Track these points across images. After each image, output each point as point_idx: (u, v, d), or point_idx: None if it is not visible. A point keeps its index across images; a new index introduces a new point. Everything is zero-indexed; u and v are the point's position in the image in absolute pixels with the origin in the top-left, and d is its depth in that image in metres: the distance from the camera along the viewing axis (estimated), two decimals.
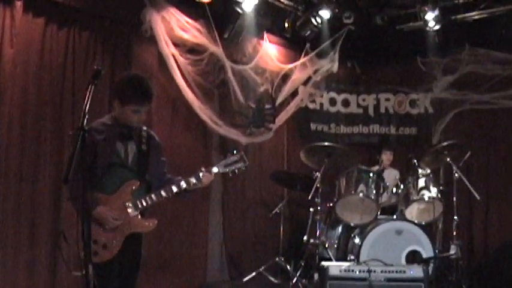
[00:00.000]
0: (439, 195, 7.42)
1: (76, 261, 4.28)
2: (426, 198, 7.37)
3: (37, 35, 6.67)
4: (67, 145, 6.56)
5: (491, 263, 8.24)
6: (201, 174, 4.75)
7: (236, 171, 4.90)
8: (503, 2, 8.40)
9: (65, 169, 4.32)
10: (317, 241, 7.40)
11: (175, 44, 7.48)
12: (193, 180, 4.73)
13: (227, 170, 4.87)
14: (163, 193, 4.65)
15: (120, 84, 4.69)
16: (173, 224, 7.54)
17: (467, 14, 8.71)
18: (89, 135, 3.77)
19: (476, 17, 8.72)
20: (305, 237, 7.63)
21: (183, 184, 4.71)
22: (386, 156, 8.71)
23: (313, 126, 9.67)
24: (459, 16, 8.73)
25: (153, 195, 4.63)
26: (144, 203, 4.60)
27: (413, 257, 7.13)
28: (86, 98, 3.67)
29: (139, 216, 4.60)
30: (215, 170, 4.83)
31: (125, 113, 4.57)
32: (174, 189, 4.68)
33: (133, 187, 4.58)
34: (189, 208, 7.73)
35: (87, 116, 3.63)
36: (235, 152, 4.93)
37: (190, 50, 7.66)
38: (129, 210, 4.55)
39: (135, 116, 4.58)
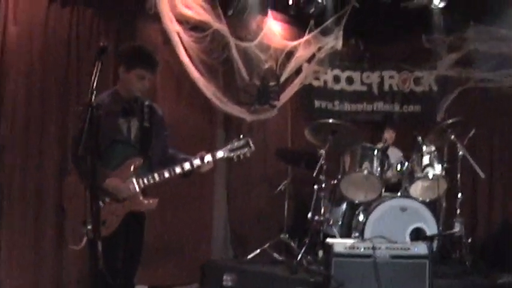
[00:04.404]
0: (443, 173, 7.43)
1: (74, 235, 4.33)
2: (430, 176, 7.37)
3: (41, 13, 6.67)
4: (72, 121, 6.59)
5: (495, 241, 8.27)
6: (205, 158, 4.76)
7: (241, 156, 4.91)
8: None
9: (73, 145, 4.35)
10: (321, 218, 7.41)
11: (179, 21, 7.42)
12: (197, 162, 4.74)
13: (232, 154, 4.88)
14: (166, 174, 4.66)
15: (126, 50, 4.77)
16: (177, 203, 7.54)
17: None
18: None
19: None
20: (309, 215, 7.62)
21: (187, 166, 4.72)
22: (389, 135, 8.67)
23: (317, 103, 9.64)
24: None
25: (155, 175, 4.63)
26: (146, 182, 4.61)
27: (417, 234, 7.15)
28: (93, 75, 3.68)
29: (140, 195, 4.61)
30: (220, 154, 4.85)
31: (129, 80, 4.61)
32: (178, 170, 4.70)
33: (137, 164, 4.59)
34: (193, 186, 7.71)
35: (94, 93, 3.64)
36: (241, 136, 4.94)
37: (194, 27, 7.60)
38: (131, 187, 4.55)
39: (140, 82, 4.61)
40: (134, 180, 4.58)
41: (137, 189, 4.59)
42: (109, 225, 4.47)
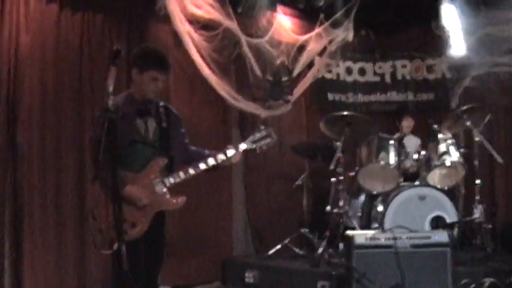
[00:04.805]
0: (461, 160, 7.40)
1: (104, 240, 4.35)
2: (448, 163, 7.34)
3: (52, 21, 6.74)
4: (88, 127, 6.65)
5: None
6: (228, 152, 4.77)
7: (264, 147, 4.90)
8: None
9: (92, 151, 4.37)
10: (341, 211, 7.43)
11: (189, 21, 7.42)
12: (221, 156, 4.75)
13: (255, 146, 4.87)
14: (191, 171, 4.67)
15: (139, 53, 4.78)
16: (196, 200, 7.54)
17: None
18: None
19: None
20: (328, 208, 7.66)
21: (211, 161, 4.73)
22: (407, 123, 8.63)
23: (330, 96, 9.62)
24: None
25: (181, 173, 4.65)
26: (173, 181, 4.62)
27: (437, 223, 7.13)
28: (109, 80, 3.69)
29: (167, 194, 4.63)
30: (243, 146, 4.84)
31: (142, 82, 4.62)
32: (202, 166, 4.70)
33: (161, 165, 4.61)
34: (211, 184, 7.76)
35: (111, 97, 3.66)
36: (262, 127, 4.93)
37: (204, 26, 7.60)
38: (158, 188, 4.58)
39: (153, 84, 4.62)
40: (160, 180, 4.61)
41: (164, 189, 4.62)
42: (139, 227, 4.50)
